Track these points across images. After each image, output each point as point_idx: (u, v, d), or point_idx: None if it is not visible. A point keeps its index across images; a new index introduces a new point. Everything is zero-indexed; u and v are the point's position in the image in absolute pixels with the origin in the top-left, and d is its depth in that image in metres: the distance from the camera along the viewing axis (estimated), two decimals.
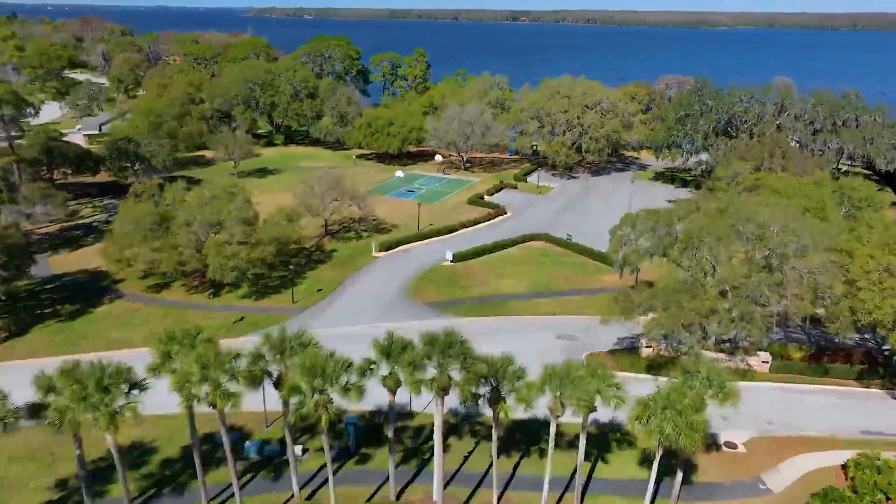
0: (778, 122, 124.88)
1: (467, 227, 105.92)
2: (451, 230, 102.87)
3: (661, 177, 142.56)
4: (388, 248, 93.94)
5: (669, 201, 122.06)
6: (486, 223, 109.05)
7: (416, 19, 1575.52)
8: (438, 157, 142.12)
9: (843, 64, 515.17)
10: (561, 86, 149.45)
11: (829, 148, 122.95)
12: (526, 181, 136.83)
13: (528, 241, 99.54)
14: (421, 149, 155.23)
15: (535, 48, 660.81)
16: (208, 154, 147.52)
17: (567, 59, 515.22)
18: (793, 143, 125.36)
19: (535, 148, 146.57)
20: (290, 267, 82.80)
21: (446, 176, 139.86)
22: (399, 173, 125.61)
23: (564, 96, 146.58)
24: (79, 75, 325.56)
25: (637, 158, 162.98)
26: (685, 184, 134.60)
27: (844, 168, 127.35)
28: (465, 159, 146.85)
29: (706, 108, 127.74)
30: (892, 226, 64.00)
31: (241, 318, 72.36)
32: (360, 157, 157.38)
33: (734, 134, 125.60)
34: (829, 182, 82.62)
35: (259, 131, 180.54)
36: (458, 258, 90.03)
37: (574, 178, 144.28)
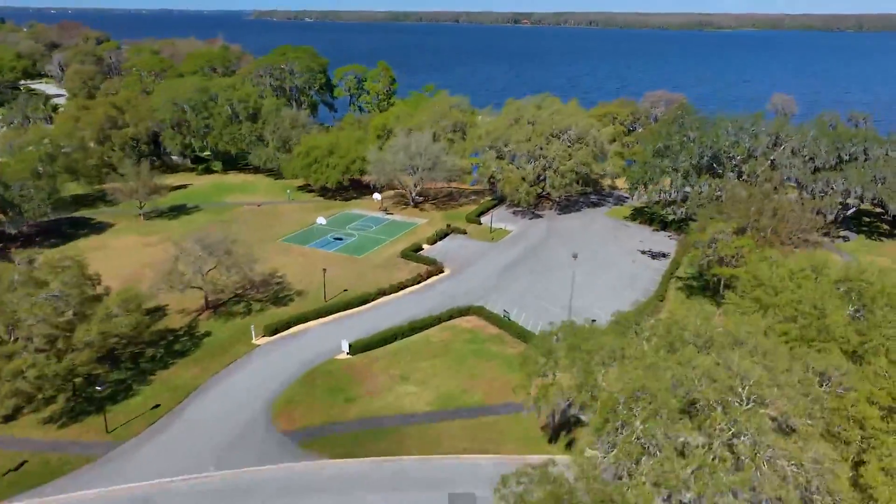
0: (772, 159, 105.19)
1: (388, 294, 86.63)
2: (364, 300, 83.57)
3: (639, 214, 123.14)
4: (274, 332, 74.73)
5: (642, 252, 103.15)
6: (415, 287, 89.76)
7: (417, 22, 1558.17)
8: (377, 196, 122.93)
9: (850, 68, 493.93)
10: (524, 110, 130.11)
11: (832, 189, 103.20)
12: (480, 222, 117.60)
13: (458, 316, 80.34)
14: (372, 180, 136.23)
15: (533, 53, 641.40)
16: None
17: (564, 65, 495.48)
18: (790, 185, 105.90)
19: (493, 181, 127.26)
20: (130, 367, 63.88)
21: (388, 216, 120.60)
22: (321, 220, 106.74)
23: (528, 122, 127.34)
24: (43, 86, 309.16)
25: (614, 189, 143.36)
26: (665, 225, 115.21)
27: (853, 207, 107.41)
28: (414, 195, 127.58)
29: (687, 141, 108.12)
30: None
31: (21, 465, 53.18)
32: (302, 188, 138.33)
33: (720, 172, 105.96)
34: (831, 262, 62.90)
35: (205, 154, 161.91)
36: (358, 348, 70.86)
37: (538, 216, 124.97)
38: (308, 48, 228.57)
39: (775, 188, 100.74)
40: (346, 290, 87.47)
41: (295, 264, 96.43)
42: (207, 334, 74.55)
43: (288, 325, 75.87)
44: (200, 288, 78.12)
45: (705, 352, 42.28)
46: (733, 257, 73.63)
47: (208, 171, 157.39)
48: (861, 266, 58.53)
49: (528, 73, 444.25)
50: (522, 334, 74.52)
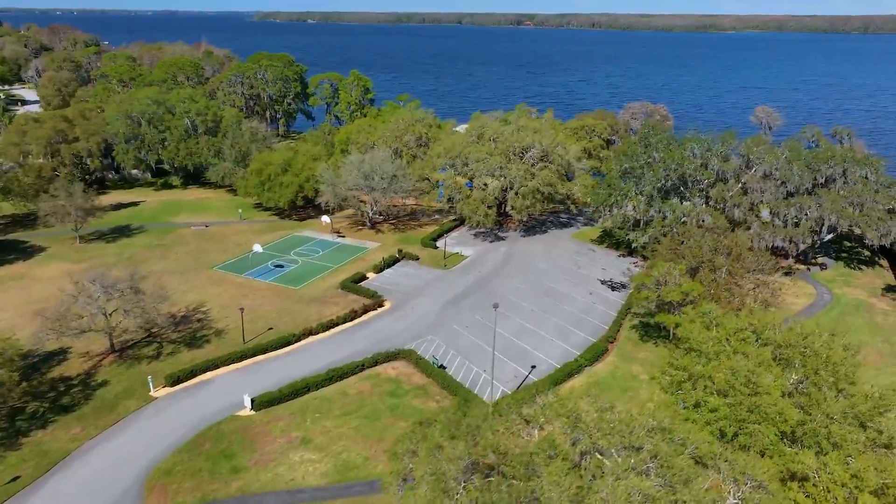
0: (742, 182, 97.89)
1: (315, 333, 79.83)
2: (286, 342, 76.75)
3: (608, 237, 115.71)
4: (176, 382, 67.93)
5: (602, 282, 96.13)
6: (347, 325, 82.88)
7: (420, 23, 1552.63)
8: (325, 219, 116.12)
9: (853, 72, 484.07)
10: (487, 126, 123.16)
11: (806, 216, 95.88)
12: (436, 246, 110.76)
13: (384, 362, 73.50)
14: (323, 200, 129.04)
15: (531, 57, 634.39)
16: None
17: (560, 70, 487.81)
18: (764, 205, 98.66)
19: (451, 202, 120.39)
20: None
21: (338, 240, 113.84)
22: (257, 247, 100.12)
23: (490, 139, 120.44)
24: (26, 91, 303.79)
25: (587, 206, 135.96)
26: (632, 251, 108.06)
27: (830, 233, 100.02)
28: (370, 215, 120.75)
29: (653, 162, 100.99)
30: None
31: None
32: (259, 207, 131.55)
33: (686, 196, 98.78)
34: (776, 322, 55.59)
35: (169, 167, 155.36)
36: (262, 403, 63.98)
37: (500, 238, 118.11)
38: (284, 55, 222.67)
39: (743, 219, 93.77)
40: (270, 329, 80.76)
41: (224, 297, 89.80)
42: (103, 384, 67.89)
43: (193, 373, 69.00)
44: (103, 330, 71.28)
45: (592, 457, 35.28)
46: (680, 303, 66.56)
47: (167, 186, 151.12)
48: (805, 329, 51.19)
49: (523, 78, 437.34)
50: (450, 385, 67.69)
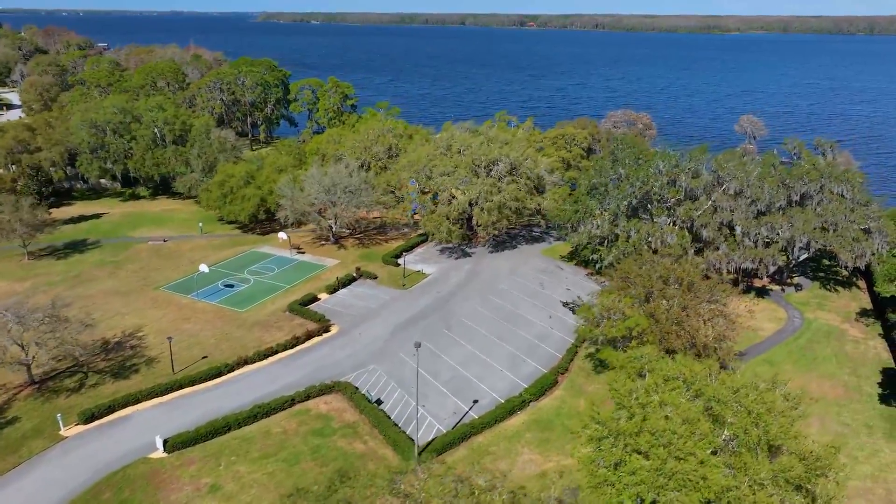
0: (712, 201, 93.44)
1: (251, 363, 75.86)
2: (217, 373, 72.77)
3: (577, 255, 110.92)
4: (91, 419, 64.03)
5: (564, 304, 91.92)
6: (288, 352, 78.87)
7: (423, 24, 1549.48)
8: (282, 235, 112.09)
9: (857, 75, 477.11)
10: (454, 139, 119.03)
11: (778, 235, 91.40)
12: (398, 263, 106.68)
13: (317, 396, 69.47)
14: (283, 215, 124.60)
15: (531, 60, 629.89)
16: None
17: (558, 73, 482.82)
18: (738, 230, 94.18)
19: (414, 218, 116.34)
20: None
21: (296, 257, 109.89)
22: (203, 267, 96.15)
23: (457, 152, 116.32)
24: (8, 94, 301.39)
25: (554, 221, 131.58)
26: (600, 270, 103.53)
27: (803, 256, 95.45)
28: (334, 230, 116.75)
29: (619, 178, 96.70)
30: None
31: None
32: (222, 219, 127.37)
33: (652, 215, 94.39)
34: (715, 373, 51.05)
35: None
36: (176, 444, 59.95)
37: (468, 254, 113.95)
38: (266, 60, 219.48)
39: (712, 239, 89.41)
40: (205, 358, 76.87)
41: (165, 320, 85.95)
42: (12, 421, 64.09)
43: (110, 408, 65.08)
44: (16, 363, 67.43)
45: None
46: (624, 338, 62.28)
47: (135, 196, 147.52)
48: (738, 381, 46.82)
49: (521, 81, 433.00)
50: (381, 423, 63.56)
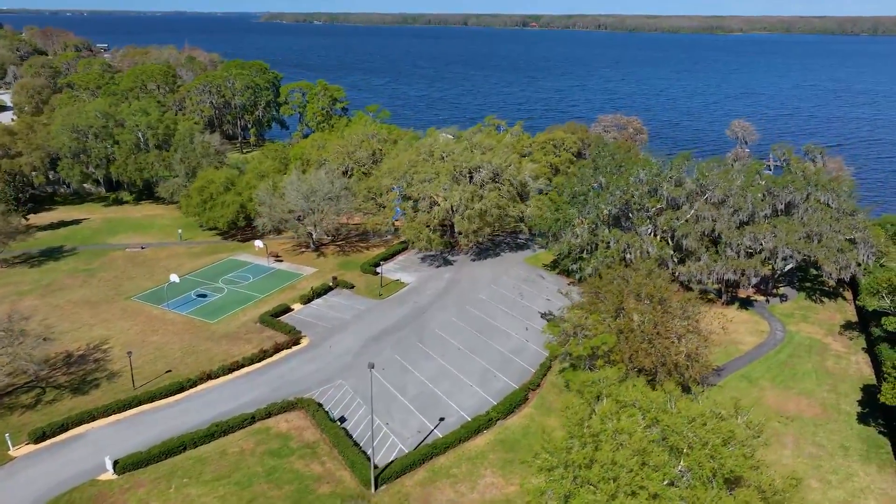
0: (693, 210, 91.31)
1: (216, 377, 74.06)
2: (180, 388, 70.98)
3: (560, 263, 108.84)
4: (42, 438, 62.27)
5: (542, 315, 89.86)
6: (254, 366, 77.05)
7: (425, 25, 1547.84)
8: (258, 244, 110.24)
9: (859, 76, 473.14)
10: (435, 145, 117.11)
11: (761, 245, 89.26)
12: (376, 272, 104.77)
13: (278, 413, 67.62)
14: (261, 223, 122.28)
15: (531, 61, 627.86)
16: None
17: (558, 75, 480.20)
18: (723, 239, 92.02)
19: (395, 224, 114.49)
20: None
21: (273, 265, 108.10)
22: (174, 277, 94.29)
23: (439, 158, 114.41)
24: (3, 95, 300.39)
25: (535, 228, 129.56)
26: (582, 280, 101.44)
27: (787, 266, 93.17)
28: (314, 237, 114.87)
29: (599, 187, 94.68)
30: None
31: None
32: (202, 226, 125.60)
33: (633, 225, 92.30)
34: (675, 398, 49.00)
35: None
36: (129, 465, 58.18)
37: (449, 263, 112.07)
38: (257, 63, 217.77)
39: (694, 249, 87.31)
40: (168, 372, 75.12)
41: (132, 332, 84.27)
42: None
43: (64, 427, 63.33)
44: None
45: None
46: (591, 356, 60.26)
47: (118, 201, 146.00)
48: (696, 410, 44.75)
49: (520, 83, 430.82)
50: (341, 444, 61.65)
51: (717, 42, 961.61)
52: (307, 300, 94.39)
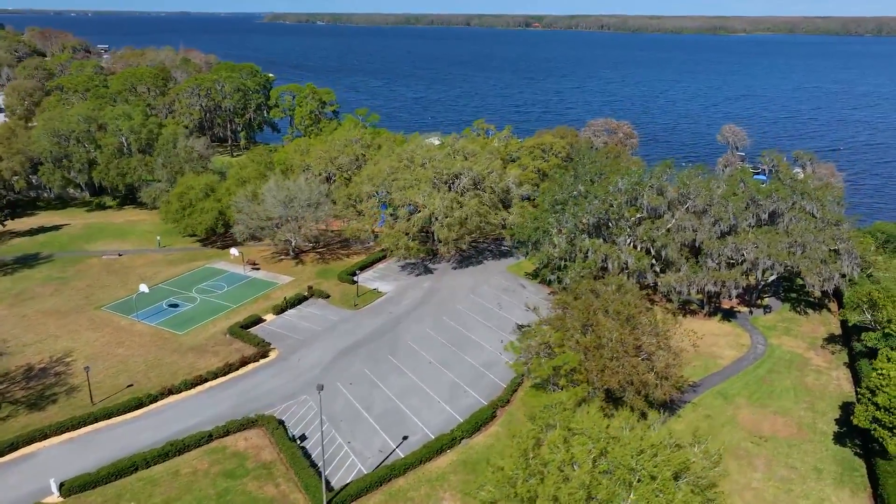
0: (674, 220, 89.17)
1: (177, 392, 72.33)
2: (137, 405, 69.25)
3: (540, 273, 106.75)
4: None
5: (520, 326, 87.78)
6: (219, 380, 75.29)
7: (428, 25, 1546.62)
8: (233, 251, 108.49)
9: (863, 77, 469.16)
10: (416, 151, 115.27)
11: (743, 256, 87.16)
12: (354, 281, 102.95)
13: (237, 431, 65.82)
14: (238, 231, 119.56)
15: (533, 63, 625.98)
16: None
17: (558, 77, 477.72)
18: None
19: (374, 231, 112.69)
20: None
21: (250, 273, 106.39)
22: (143, 287, 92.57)
23: (420, 165, 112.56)
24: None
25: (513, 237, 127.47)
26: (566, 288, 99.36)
27: (771, 277, 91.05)
28: (293, 244, 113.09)
29: (579, 196, 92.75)
30: None
31: None
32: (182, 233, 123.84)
33: (613, 235, 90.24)
34: (629, 424, 47.02)
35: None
36: (75, 487, 56.44)
37: (430, 271, 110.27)
38: (249, 65, 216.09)
39: (675, 259, 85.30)
40: (130, 386, 73.42)
41: (97, 344, 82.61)
42: None
43: (13, 446, 61.62)
44: None
45: None
46: (554, 376, 58.26)
47: (101, 206, 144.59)
48: (650, 440, 42.77)
49: (518, 84, 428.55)
50: (297, 464, 59.79)
51: (721, 43, 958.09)
52: (280, 311, 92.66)
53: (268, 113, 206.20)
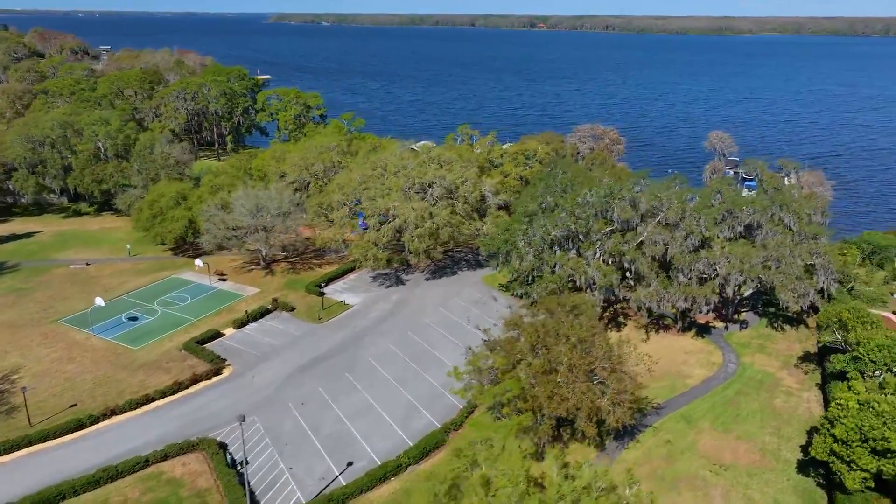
0: (644, 235, 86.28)
1: (121, 412, 70.04)
2: (78, 426, 67.00)
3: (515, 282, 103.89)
4: None
5: (485, 342, 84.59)
6: (167, 400, 72.98)
7: (433, 26, 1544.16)
8: (198, 262, 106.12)
9: (871, 79, 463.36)
10: (389, 160, 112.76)
11: (715, 272, 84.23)
12: (322, 293, 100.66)
13: (176, 455, 63.44)
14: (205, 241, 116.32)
15: (535, 64, 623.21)
16: None
17: (558, 79, 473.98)
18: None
19: (345, 242, 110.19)
20: None
21: (216, 285, 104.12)
22: (99, 301, 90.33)
23: (392, 173, 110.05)
24: None
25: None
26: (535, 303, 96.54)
27: (748, 291, 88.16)
28: (264, 253, 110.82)
29: (547, 207, 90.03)
30: None
31: None
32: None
33: (580, 249, 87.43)
34: (560, 460, 44.24)
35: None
36: None
37: (402, 282, 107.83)
38: (237, 69, 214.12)
39: (646, 274, 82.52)
40: (73, 406, 71.18)
41: (48, 360, 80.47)
42: None
43: None
44: None
45: None
46: (497, 405, 55.57)
47: (78, 213, 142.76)
48: (580, 480, 40.08)
49: (517, 87, 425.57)
50: (231, 492, 57.30)
51: (726, 44, 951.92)
52: (240, 325, 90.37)
53: (255, 116, 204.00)
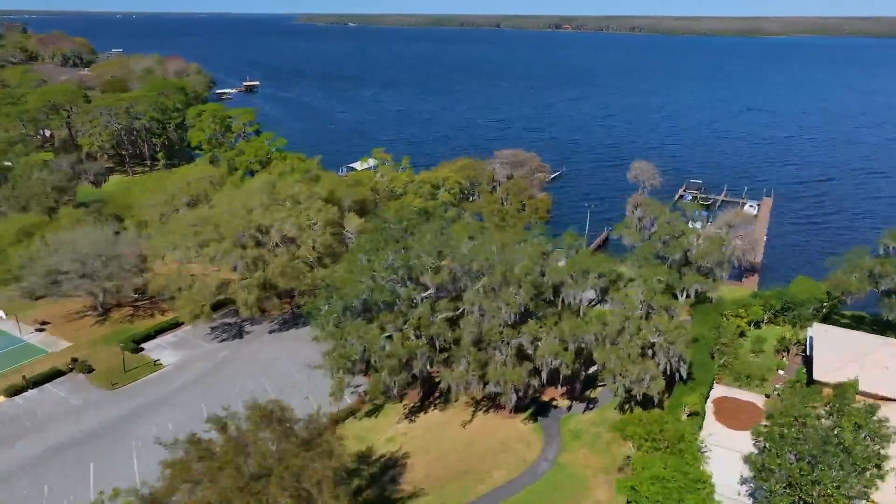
0: (457, 310, 73.56)
1: None
2: None
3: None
4: None
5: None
6: None
7: (458, 27, 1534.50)
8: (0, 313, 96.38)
9: (887, 91, 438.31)
10: (234, 199, 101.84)
11: (533, 350, 71.32)
12: (142, 348, 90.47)
13: None
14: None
15: (545, 68, 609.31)
16: None
17: (562, 87, 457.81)
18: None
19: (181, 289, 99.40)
20: None
21: (26, 337, 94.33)
22: None
23: (248, 209, 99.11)
24: None
25: None
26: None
27: (592, 369, 75.09)
28: (101, 300, 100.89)
29: (360, 264, 78.07)
30: None
31: None
32: None
33: (378, 320, 75.04)
34: None
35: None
36: None
37: (243, 334, 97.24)
38: (177, 81, 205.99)
39: (459, 354, 70.18)
40: None
41: None
42: None
43: None
44: None
45: None
46: None
47: None
48: None
49: (511, 95, 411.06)
50: None
51: (753, 46, 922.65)
52: (15, 392, 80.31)
53: (185, 133, 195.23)
